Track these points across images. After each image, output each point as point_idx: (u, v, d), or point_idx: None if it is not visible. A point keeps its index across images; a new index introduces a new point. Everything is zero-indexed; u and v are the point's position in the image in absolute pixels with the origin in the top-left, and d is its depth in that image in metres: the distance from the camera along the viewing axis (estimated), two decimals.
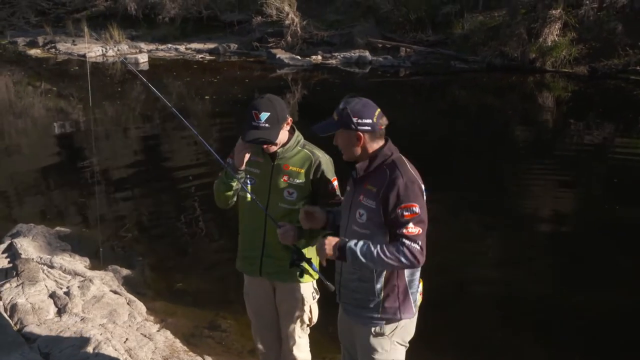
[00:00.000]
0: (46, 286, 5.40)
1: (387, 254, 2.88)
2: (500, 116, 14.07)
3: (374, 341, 3.09)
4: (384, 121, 3.01)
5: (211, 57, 20.37)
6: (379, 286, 3.03)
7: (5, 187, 8.82)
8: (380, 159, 2.98)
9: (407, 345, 3.19)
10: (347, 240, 2.99)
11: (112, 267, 6.15)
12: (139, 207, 8.20)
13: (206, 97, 14.90)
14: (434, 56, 19.06)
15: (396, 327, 3.09)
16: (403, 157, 3.03)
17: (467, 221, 7.66)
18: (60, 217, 7.74)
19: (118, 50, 20.28)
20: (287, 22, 20.01)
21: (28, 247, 6.23)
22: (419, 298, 3.15)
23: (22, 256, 5.96)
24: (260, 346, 3.85)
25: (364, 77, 17.81)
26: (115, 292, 5.51)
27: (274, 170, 3.43)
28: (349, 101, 3.00)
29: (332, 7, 22.10)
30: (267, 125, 3.26)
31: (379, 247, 2.90)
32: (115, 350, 4.48)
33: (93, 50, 20.24)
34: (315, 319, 3.71)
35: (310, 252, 3.46)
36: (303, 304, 3.60)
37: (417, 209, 2.88)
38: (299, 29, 20.12)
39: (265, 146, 3.37)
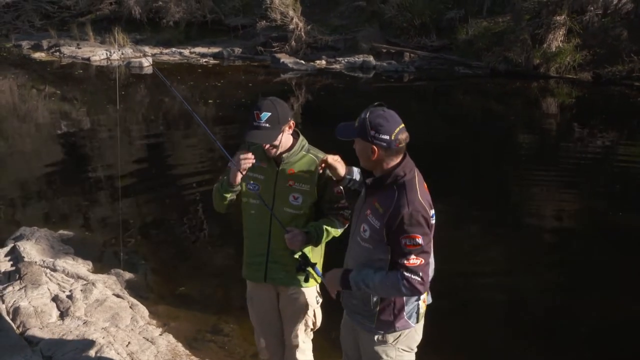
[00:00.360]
0: (49, 289, 5.39)
1: (388, 284, 2.88)
2: (504, 122, 14.05)
3: (378, 348, 3.09)
4: (404, 137, 2.90)
5: (215, 61, 20.40)
6: (374, 299, 3.03)
7: (8, 190, 8.83)
8: (392, 178, 2.90)
9: (415, 350, 3.18)
10: (349, 270, 3.01)
11: (114, 271, 6.14)
12: (143, 211, 8.20)
13: (210, 101, 14.91)
14: (438, 61, 19.07)
15: (400, 335, 3.08)
16: (416, 179, 2.93)
17: (470, 227, 7.65)
18: (63, 220, 7.75)
19: (122, 54, 20.31)
20: (291, 26, 20.04)
21: (31, 250, 6.23)
22: (423, 306, 3.12)
23: (25, 259, 5.96)
24: (263, 351, 3.84)
25: (368, 82, 17.81)
26: (117, 296, 5.50)
27: (279, 175, 3.42)
28: (372, 111, 2.91)
29: (336, 12, 22.14)
30: (267, 125, 3.26)
31: (379, 278, 2.90)
32: (118, 353, 4.47)
33: (97, 53, 20.28)
34: (319, 324, 3.71)
35: (315, 256, 3.47)
36: (307, 309, 3.60)
37: (419, 240, 2.83)
38: (303, 34, 20.15)
39: (266, 148, 3.36)
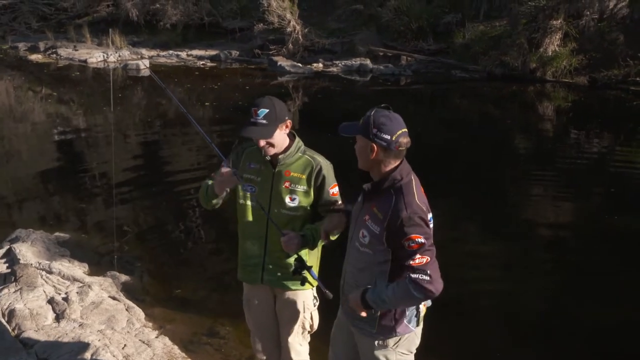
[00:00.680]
0: (44, 292, 5.38)
1: (401, 294, 2.87)
2: (501, 125, 14.08)
3: (378, 353, 3.08)
4: (405, 142, 2.91)
5: (212, 64, 20.39)
6: None
7: (4, 192, 8.81)
8: (389, 182, 2.92)
9: (414, 352, 3.18)
10: (365, 290, 2.97)
11: (110, 273, 6.13)
12: (139, 213, 8.19)
13: (206, 103, 14.91)
14: (434, 65, 19.09)
15: (400, 339, 3.08)
16: (412, 182, 2.94)
17: (466, 230, 7.66)
18: (59, 222, 7.73)
19: (119, 56, 20.30)
20: (288, 29, 20.04)
21: (27, 252, 6.22)
22: (423, 309, 3.13)
23: (21, 261, 5.95)
24: (260, 354, 3.84)
25: (365, 85, 17.83)
26: (113, 298, 5.49)
27: (275, 177, 3.43)
28: (378, 111, 2.94)
29: (333, 15, 22.16)
30: (264, 121, 3.28)
31: (391, 290, 2.88)
32: (114, 356, 4.46)
33: (94, 55, 20.26)
34: (315, 326, 3.71)
35: (311, 260, 3.47)
36: (304, 312, 3.60)
37: (421, 240, 2.83)
38: (300, 37, 20.16)
39: (262, 146, 3.36)
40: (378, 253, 2.94)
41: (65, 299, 5.28)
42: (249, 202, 3.48)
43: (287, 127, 3.38)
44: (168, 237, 7.42)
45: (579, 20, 17.59)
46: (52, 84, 17.82)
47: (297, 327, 3.63)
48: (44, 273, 5.77)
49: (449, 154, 11.05)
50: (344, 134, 2.99)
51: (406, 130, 2.93)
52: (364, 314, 3.01)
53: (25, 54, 21.48)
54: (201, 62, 20.58)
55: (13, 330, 4.79)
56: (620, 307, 5.75)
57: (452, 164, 10.32)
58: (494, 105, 16.39)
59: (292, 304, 3.57)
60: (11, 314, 4.96)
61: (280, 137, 3.36)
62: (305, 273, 3.30)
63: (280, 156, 3.41)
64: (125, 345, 4.71)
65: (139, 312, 5.37)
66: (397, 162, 2.95)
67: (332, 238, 3.34)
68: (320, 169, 3.41)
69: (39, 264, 5.96)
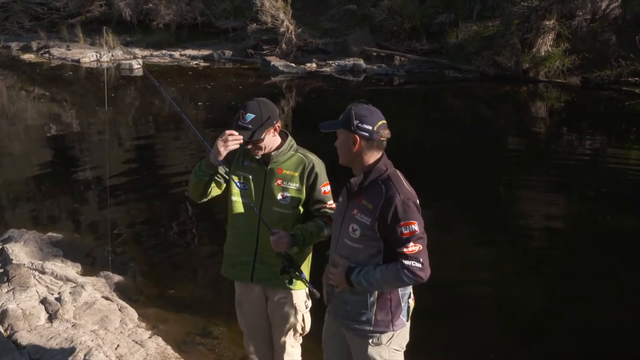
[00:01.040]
0: (37, 292, 5.37)
1: (390, 276, 2.90)
2: (494, 126, 14.12)
3: (372, 351, 3.09)
4: (385, 133, 2.99)
5: (206, 64, 20.37)
6: (372, 299, 3.03)
7: None
8: (375, 174, 2.97)
9: (404, 349, 3.20)
10: (351, 267, 2.99)
11: (103, 274, 6.12)
12: (132, 213, 8.17)
13: (199, 103, 14.89)
14: (428, 65, 19.13)
15: (393, 335, 3.09)
16: (398, 172, 3.02)
17: (459, 231, 7.68)
18: (52, 222, 7.71)
19: (112, 56, 20.25)
20: (282, 29, 20.04)
21: (19, 252, 6.20)
22: (412, 303, 3.15)
23: (14, 261, 5.93)
24: (252, 355, 3.84)
25: (358, 85, 17.84)
26: (106, 299, 5.48)
27: (268, 175, 3.44)
28: (357, 105, 3.01)
29: (327, 15, 22.17)
30: (250, 126, 3.29)
31: (379, 273, 2.91)
32: (107, 356, 4.45)
33: (87, 55, 20.21)
34: (308, 328, 3.71)
35: (301, 260, 3.47)
36: (296, 313, 3.59)
37: (415, 227, 2.87)
38: (293, 37, 20.16)
39: (250, 147, 3.36)
40: (369, 246, 2.96)
41: (58, 299, 5.27)
42: (240, 199, 3.48)
43: (276, 130, 3.40)
44: (161, 237, 7.40)
45: (572, 21, 17.65)
46: (44, 83, 17.76)
47: (289, 329, 3.63)
48: (36, 273, 5.75)
49: (442, 154, 11.08)
50: (325, 129, 3.05)
51: (386, 122, 3.01)
52: (340, 289, 3.05)
53: (17, 54, 21.41)
54: (194, 62, 20.55)
55: (6, 330, 4.78)
56: (615, 307, 5.77)
57: (444, 164, 10.34)
58: (487, 105, 16.44)
59: (284, 305, 3.57)
60: (4, 314, 4.95)
61: (269, 140, 3.38)
62: (294, 272, 3.30)
63: (272, 153, 3.43)
64: (118, 345, 4.70)
65: (132, 313, 5.36)
66: (379, 154, 3.01)
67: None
68: (313, 167, 3.43)
69: (32, 264, 5.95)
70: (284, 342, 3.65)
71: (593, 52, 17.13)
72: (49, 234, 7.04)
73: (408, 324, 3.16)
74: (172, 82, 17.20)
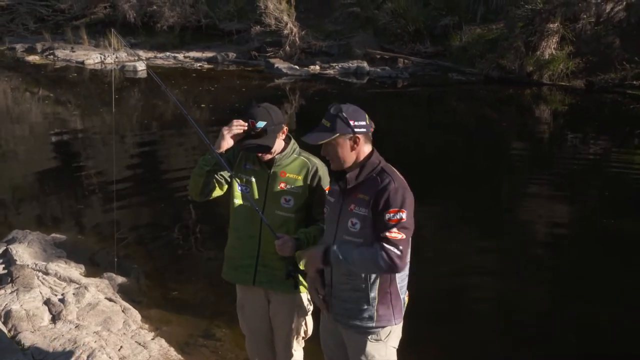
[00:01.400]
0: (41, 293, 5.38)
1: (367, 257, 2.90)
2: (497, 128, 14.11)
3: (371, 348, 3.10)
4: (373, 124, 3.06)
5: (209, 66, 20.40)
6: (372, 295, 3.04)
7: (1, 193, 8.80)
8: (370, 167, 3.00)
9: (397, 347, 3.22)
10: (330, 244, 3.01)
11: (107, 275, 6.13)
12: (136, 214, 8.18)
13: (203, 105, 14.92)
14: (431, 68, 19.12)
15: (390, 331, 3.12)
16: (389, 165, 3.06)
17: (461, 232, 7.66)
18: (56, 223, 7.73)
19: (116, 57, 20.30)
20: (285, 31, 20.06)
21: (23, 253, 6.21)
22: (406, 299, 3.18)
23: (17, 262, 5.95)
24: (254, 359, 3.84)
25: (362, 87, 17.83)
26: (110, 300, 5.49)
27: (271, 178, 3.44)
28: (341, 107, 3.01)
29: (330, 18, 22.17)
30: (263, 133, 3.29)
31: (357, 252, 2.92)
32: (110, 358, 4.46)
33: (91, 57, 20.26)
34: (310, 332, 3.70)
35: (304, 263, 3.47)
36: (298, 316, 3.59)
37: (404, 215, 2.89)
38: (297, 39, 20.17)
39: (259, 154, 3.39)
40: (369, 238, 2.97)
41: (62, 300, 5.28)
42: (243, 202, 3.48)
43: (283, 133, 3.40)
44: (165, 238, 7.41)
45: (576, 24, 17.62)
46: (49, 85, 17.82)
47: (292, 332, 3.62)
48: (40, 274, 5.77)
49: (445, 157, 11.07)
50: (317, 142, 3.00)
51: None
52: (313, 270, 3.12)
53: (22, 55, 21.48)
54: (198, 64, 20.58)
55: (9, 331, 4.79)
56: (617, 310, 5.75)
57: (448, 167, 10.33)
58: (490, 108, 16.42)
59: (286, 308, 3.56)
60: (7, 315, 4.96)
61: (278, 143, 3.40)
62: (300, 277, 3.30)
63: (276, 157, 3.43)
64: (121, 347, 4.71)
65: (136, 314, 5.37)
66: (371, 147, 3.06)
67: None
68: (317, 170, 3.43)
69: (36, 265, 5.96)
70: (287, 345, 3.65)
71: (597, 55, 17.10)
72: (53, 235, 7.06)
73: (401, 322, 3.18)
74: (175, 84, 17.22)
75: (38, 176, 9.61)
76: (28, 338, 4.67)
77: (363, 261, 2.93)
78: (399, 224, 2.88)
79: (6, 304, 5.11)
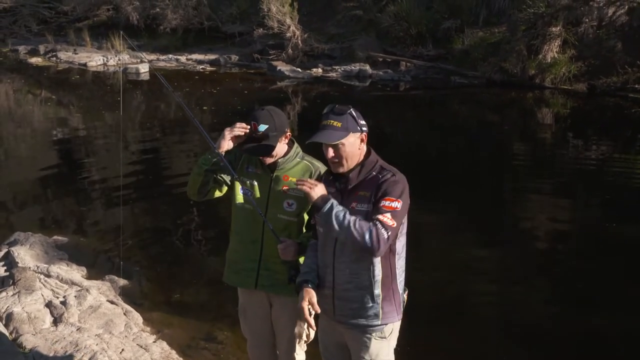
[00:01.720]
0: (42, 295, 5.38)
1: (357, 226, 2.90)
2: (499, 132, 14.10)
3: (376, 347, 3.12)
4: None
5: (212, 68, 20.42)
6: (377, 292, 3.06)
7: (3, 195, 8.81)
8: (369, 165, 3.06)
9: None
10: (332, 200, 3.00)
11: (109, 277, 6.13)
12: (137, 217, 8.19)
13: (205, 107, 14.93)
14: (434, 71, 19.12)
15: (392, 329, 3.15)
16: (386, 163, 3.12)
17: (463, 235, 7.65)
18: (57, 226, 7.73)
19: (119, 60, 20.32)
20: (288, 34, 20.08)
21: (25, 255, 6.22)
22: (405, 297, 3.22)
23: (19, 265, 5.95)
24: None
25: (364, 90, 17.85)
26: (111, 302, 5.49)
27: (273, 181, 3.43)
28: (343, 108, 3.05)
29: (333, 21, 22.19)
30: (265, 136, 3.29)
31: (353, 217, 2.93)
32: None
33: (94, 59, 20.29)
34: (312, 335, 3.70)
35: None
36: (300, 320, 3.58)
37: (398, 205, 2.94)
38: (300, 42, 20.20)
39: (261, 157, 3.39)
40: None
41: (63, 303, 5.29)
42: (245, 206, 3.48)
43: (286, 137, 3.40)
44: (167, 241, 7.41)
45: (578, 27, 17.62)
46: (51, 87, 17.85)
47: (294, 336, 3.61)
48: (42, 276, 5.77)
49: (447, 160, 11.07)
50: (334, 141, 2.98)
51: None
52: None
53: (25, 57, 21.53)
54: (201, 67, 20.61)
55: (11, 333, 4.79)
56: (618, 315, 5.74)
57: (449, 169, 10.33)
58: (492, 111, 16.41)
59: (288, 312, 3.54)
60: (9, 317, 4.96)
61: (280, 147, 3.39)
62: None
63: (279, 160, 3.43)
64: (123, 349, 4.71)
65: (137, 317, 5.37)
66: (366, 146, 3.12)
67: None
68: (320, 175, 3.43)
69: (37, 267, 5.96)
70: (289, 350, 3.64)
71: (599, 58, 17.10)
72: (55, 237, 7.06)
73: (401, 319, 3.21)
74: (178, 86, 17.24)
75: (39, 178, 9.62)
76: (29, 340, 4.68)
77: (353, 226, 2.89)
78: (393, 212, 2.92)
79: (8, 307, 5.11)
